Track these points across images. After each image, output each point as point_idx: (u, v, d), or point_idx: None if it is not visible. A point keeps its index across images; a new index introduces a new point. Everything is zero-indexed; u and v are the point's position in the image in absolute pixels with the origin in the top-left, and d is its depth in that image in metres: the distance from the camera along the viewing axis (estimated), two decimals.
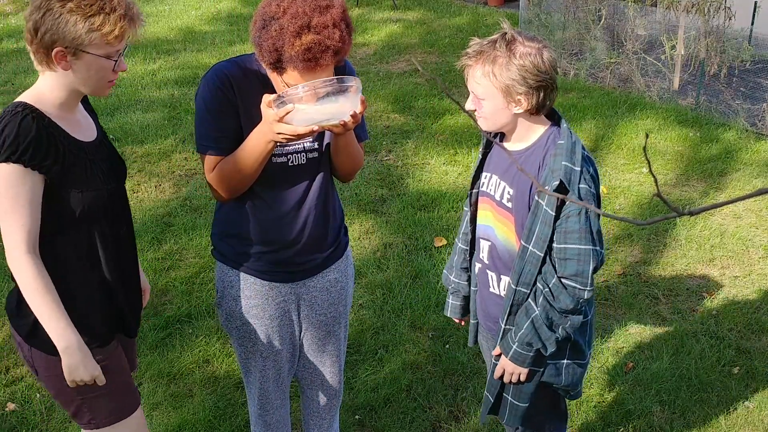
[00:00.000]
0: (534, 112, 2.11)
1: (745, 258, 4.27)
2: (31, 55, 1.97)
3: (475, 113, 2.17)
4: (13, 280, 2.03)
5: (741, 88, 6.57)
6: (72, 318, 2.01)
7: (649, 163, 0.78)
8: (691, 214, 0.77)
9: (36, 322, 2.03)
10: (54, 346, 2.02)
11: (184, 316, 3.80)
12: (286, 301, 2.38)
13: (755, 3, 6.67)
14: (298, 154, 2.23)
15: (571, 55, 7.37)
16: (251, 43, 2.07)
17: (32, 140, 1.90)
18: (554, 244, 2.10)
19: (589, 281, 2.10)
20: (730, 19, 6.62)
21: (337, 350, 2.57)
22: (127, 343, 2.33)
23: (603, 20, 7.18)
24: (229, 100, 2.14)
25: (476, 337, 2.52)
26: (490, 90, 2.08)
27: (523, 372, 2.23)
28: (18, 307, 2.07)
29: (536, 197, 2.11)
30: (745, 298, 3.93)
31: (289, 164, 2.22)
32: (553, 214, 2.08)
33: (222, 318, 2.45)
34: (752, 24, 6.83)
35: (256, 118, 2.15)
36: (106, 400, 2.14)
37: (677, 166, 5.31)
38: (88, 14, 1.88)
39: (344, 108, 1.98)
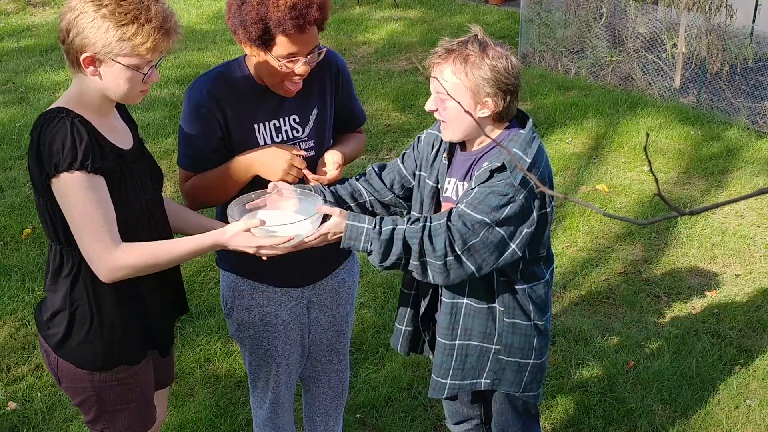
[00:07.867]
0: (497, 118, 2.06)
1: (746, 256, 4.26)
2: (64, 56, 1.90)
3: (437, 114, 2.09)
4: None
5: (742, 86, 6.56)
6: (107, 336, 1.99)
7: (650, 162, 0.78)
8: (691, 214, 0.77)
9: (66, 333, 1.99)
10: (79, 358, 2.01)
11: (185, 315, 3.80)
12: (298, 305, 2.40)
13: (756, 1, 6.66)
14: None
15: (572, 53, 7.36)
16: (230, 29, 2.09)
17: (87, 144, 1.83)
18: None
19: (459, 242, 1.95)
20: (731, 16, 6.61)
21: (344, 348, 2.60)
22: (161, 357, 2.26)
23: (604, 18, 7.18)
24: (208, 121, 2.15)
25: (410, 344, 2.41)
26: (458, 89, 2.01)
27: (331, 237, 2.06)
28: (49, 320, 2.02)
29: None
30: (746, 297, 3.93)
31: None
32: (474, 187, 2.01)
33: (233, 328, 2.43)
34: (753, 22, 6.82)
35: (245, 124, 2.17)
36: (125, 414, 2.12)
37: (678, 164, 5.30)
38: (122, 22, 1.79)
39: (302, 229, 2.01)
